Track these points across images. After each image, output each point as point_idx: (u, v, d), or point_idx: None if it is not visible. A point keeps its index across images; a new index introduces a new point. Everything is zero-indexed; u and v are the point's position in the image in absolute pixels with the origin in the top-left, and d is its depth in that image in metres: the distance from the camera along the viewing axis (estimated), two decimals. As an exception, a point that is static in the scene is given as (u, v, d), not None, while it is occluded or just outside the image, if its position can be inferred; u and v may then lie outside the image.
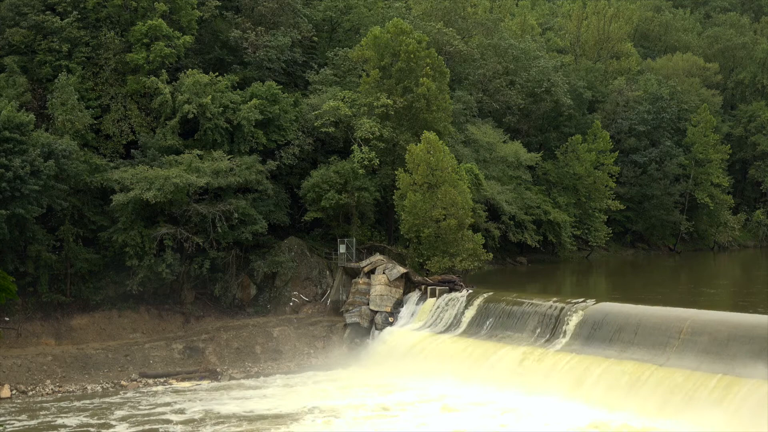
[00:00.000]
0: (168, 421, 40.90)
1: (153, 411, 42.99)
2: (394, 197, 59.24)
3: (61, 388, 47.86)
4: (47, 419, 41.58)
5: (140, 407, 43.83)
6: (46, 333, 52.15)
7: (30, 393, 46.94)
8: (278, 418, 41.06)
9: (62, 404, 44.71)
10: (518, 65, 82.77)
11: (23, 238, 51.54)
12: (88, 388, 48.18)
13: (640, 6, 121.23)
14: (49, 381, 48.42)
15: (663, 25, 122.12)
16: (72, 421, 41.16)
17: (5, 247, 50.66)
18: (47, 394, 47.04)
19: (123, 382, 49.38)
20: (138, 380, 49.84)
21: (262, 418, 41.21)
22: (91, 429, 39.88)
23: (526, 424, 38.04)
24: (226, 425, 40.08)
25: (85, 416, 42.05)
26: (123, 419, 41.28)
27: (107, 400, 45.58)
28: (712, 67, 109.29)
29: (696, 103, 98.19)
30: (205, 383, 49.61)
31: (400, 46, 62.17)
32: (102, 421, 41.00)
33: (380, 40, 62.70)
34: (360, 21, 73.70)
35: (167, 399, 45.74)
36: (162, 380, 50.02)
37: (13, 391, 46.80)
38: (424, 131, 59.20)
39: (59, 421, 41.19)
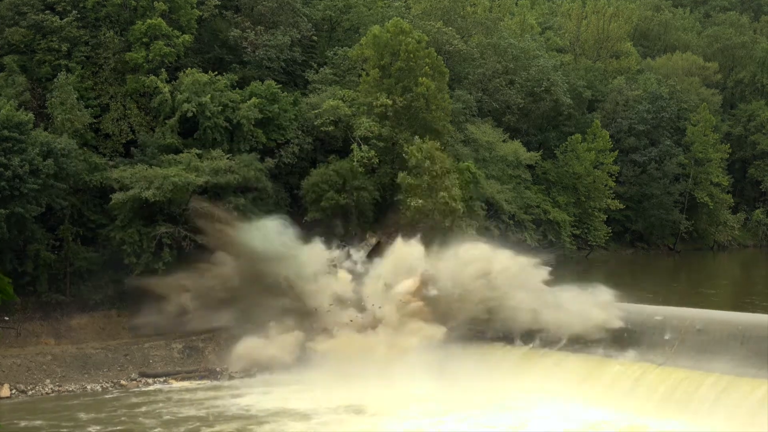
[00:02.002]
0: (140, 423, 41.08)
1: (129, 412, 43.16)
2: (399, 198, 58.72)
3: (60, 388, 47.87)
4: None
5: (113, 408, 44.03)
6: (46, 332, 52.10)
7: (30, 392, 46.93)
8: (255, 417, 41.45)
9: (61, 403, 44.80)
10: (518, 64, 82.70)
11: (22, 238, 51.50)
12: (88, 387, 48.20)
13: (639, 5, 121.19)
14: (48, 380, 48.40)
15: (662, 24, 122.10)
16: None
17: (4, 247, 50.60)
18: (47, 393, 47.06)
19: (123, 382, 49.38)
20: (138, 380, 49.85)
21: (237, 418, 41.52)
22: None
23: None
24: (198, 425, 40.38)
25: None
26: (93, 421, 41.36)
27: (73, 402, 45.58)
28: (712, 67, 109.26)
29: (695, 103, 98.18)
30: (203, 383, 49.64)
31: (400, 45, 62.13)
32: (73, 423, 41.16)
33: (380, 39, 62.66)
34: (359, 20, 73.67)
35: (147, 399, 45.93)
36: (162, 380, 50.06)
37: (13, 391, 46.78)
38: (417, 139, 58.90)
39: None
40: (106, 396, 46.87)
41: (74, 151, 52.65)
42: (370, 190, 60.38)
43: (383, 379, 44.33)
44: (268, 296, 52.24)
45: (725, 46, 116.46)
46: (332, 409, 42.74)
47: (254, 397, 45.97)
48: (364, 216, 62.00)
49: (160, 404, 44.68)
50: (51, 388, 47.65)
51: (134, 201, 52.83)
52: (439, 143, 59.64)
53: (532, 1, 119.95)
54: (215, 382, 49.91)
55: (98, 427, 40.34)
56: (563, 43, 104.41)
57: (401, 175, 58.23)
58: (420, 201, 56.20)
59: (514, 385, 42.92)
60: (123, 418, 41.84)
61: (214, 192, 56.22)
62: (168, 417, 42.12)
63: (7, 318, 51.41)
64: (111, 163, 55.88)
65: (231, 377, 50.75)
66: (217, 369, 51.53)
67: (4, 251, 50.80)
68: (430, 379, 45.43)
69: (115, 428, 40.20)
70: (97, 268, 54.49)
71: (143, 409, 43.78)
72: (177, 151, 56.68)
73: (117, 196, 52.74)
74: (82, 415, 42.23)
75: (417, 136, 59.42)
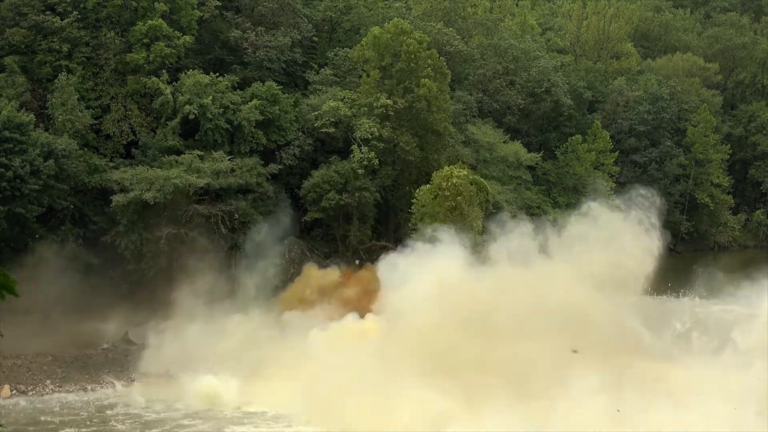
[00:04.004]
0: (112, 426, 41.29)
1: (111, 414, 43.38)
2: (413, 209, 58.14)
3: (61, 388, 47.87)
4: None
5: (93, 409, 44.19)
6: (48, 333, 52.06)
7: (30, 393, 46.94)
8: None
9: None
10: (518, 65, 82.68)
11: (24, 238, 51.55)
12: (88, 388, 48.21)
13: (640, 6, 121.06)
14: (49, 381, 48.39)
15: (663, 25, 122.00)
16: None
17: (5, 247, 50.68)
18: (47, 394, 47.07)
19: (123, 382, 49.37)
20: (139, 380, 49.79)
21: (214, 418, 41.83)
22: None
23: None
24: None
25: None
26: (67, 424, 41.46)
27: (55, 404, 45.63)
28: (712, 67, 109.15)
29: (696, 103, 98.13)
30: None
31: (401, 46, 62.10)
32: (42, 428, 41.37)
33: (380, 40, 62.61)
34: (360, 21, 73.68)
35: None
36: (163, 380, 50.07)
37: (13, 391, 46.79)
38: (449, 167, 57.95)
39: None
40: (95, 397, 47.01)
41: (75, 152, 52.74)
42: (372, 191, 60.39)
43: None
44: None
45: (726, 46, 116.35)
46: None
47: None
48: (365, 217, 62.05)
49: (146, 405, 45.03)
50: (51, 389, 47.65)
51: (135, 203, 52.88)
52: (472, 172, 58.65)
53: (533, 2, 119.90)
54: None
55: (71, 430, 40.54)
56: (564, 43, 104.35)
57: (422, 189, 57.27)
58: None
59: None
60: (95, 420, 42.00)
61: (215, 194, 56.34)
62: (146, 419, 42.42)
63: (7, 318, 51.31)
64: (111, 164, 55.96)
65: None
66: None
67: (6, 251, 50.87)
68: None
69: (86, 430, 40.51)
70: (98, 268, 54.61)
71: (126, 409, 44.00)
72: (178, 153, 56.77)
73: (118, 198, 52.76)
74: (56, 419, 42.37)
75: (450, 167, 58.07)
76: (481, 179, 65.04)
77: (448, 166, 58.13)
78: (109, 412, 43.61)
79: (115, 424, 41.71)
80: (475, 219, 56.69)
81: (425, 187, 57.09)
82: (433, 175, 57.40)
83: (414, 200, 57.42)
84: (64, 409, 44.34)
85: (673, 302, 57.82)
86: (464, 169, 58.19)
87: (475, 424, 38.64)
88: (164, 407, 44.34)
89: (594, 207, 52.75)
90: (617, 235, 49.21)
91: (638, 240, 49.57)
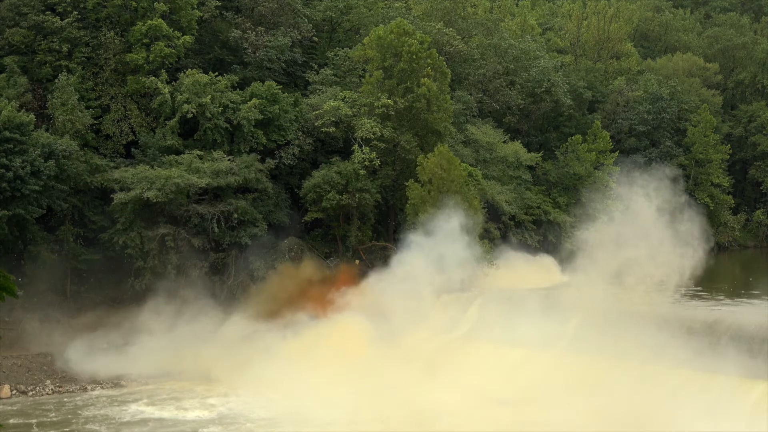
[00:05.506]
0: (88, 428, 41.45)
1: (95, 414, 43.40)
2: (406, 208, 58.38)
3: (61, 388, 47.87)
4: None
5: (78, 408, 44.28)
6: (46, 333, 52.08)
7: (30, 393, 46.95)
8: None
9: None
10: (518, 65, 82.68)
11: (23, 239, 51.54)
12: (89, 388, 48.22)
13: (640, 6, 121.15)
14: (49, 381, 48.41)
15: (663, 25, 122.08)
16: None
17: (5, 248, 50.68)
18: (47, 394, 47.07)
19: (123, 382, 49.41)
20: (138, 380, 49.84)
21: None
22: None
23: None
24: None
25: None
26: (48, 425, 41.57)
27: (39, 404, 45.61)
28: (712, 67, 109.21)
29: (696, 103, 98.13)
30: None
31: (403, 46, 62.09)
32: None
33: (384, 40, 62.59)
34: (360, 21, 73.71)
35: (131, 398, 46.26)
36: (163, 380, 50.14)
37: (13, 391, 46.81)
38: (438, 145, 58.61)
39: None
40: (87, 397, 47.08)
41: (75, 152, 52.76)
42: (372, 192, 60.36)
43: None
44: None
45: (726, 47, 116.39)
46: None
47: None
48: (365, 217, 62.04)
49: (135, 404, 45.19)
50: (51, 389, 47.67)
51: (135, 202, 52.90)
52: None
53: (533, 2, 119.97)
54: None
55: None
56: (564, 44, 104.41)
57: (411, 183, 57.59)
58: None
59: None
60: (74, 421, 42.07)
61: (213, 193, 56.34)
62: (124, 420, 42.54)
63: (7, 319, 51.44)
64: (112, 164, 56.01)
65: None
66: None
67: (5, 252, 50.88)
68: None
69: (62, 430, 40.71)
70: (98, 268, 54.61)
71: (108, 410, 44.14)
72: (178, 152, 56.82)
73: (119, 197, 52.80)
74: (32, 421, 42.43)
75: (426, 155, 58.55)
76: (467, 165, 65.33)
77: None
78: (88, 413, 43.54)
79: (91, 425, 41.64)
80: (472, 200, 56.90)
81: (413, 183, 57.34)
82: (421, 161, 57.68)
83: (408, 195, 57.77)
84: (36, 410, 44.30)
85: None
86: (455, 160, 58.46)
87: (460, 419, 38.80)
88: (149, 407, 44.38)
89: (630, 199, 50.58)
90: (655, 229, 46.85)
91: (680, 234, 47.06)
